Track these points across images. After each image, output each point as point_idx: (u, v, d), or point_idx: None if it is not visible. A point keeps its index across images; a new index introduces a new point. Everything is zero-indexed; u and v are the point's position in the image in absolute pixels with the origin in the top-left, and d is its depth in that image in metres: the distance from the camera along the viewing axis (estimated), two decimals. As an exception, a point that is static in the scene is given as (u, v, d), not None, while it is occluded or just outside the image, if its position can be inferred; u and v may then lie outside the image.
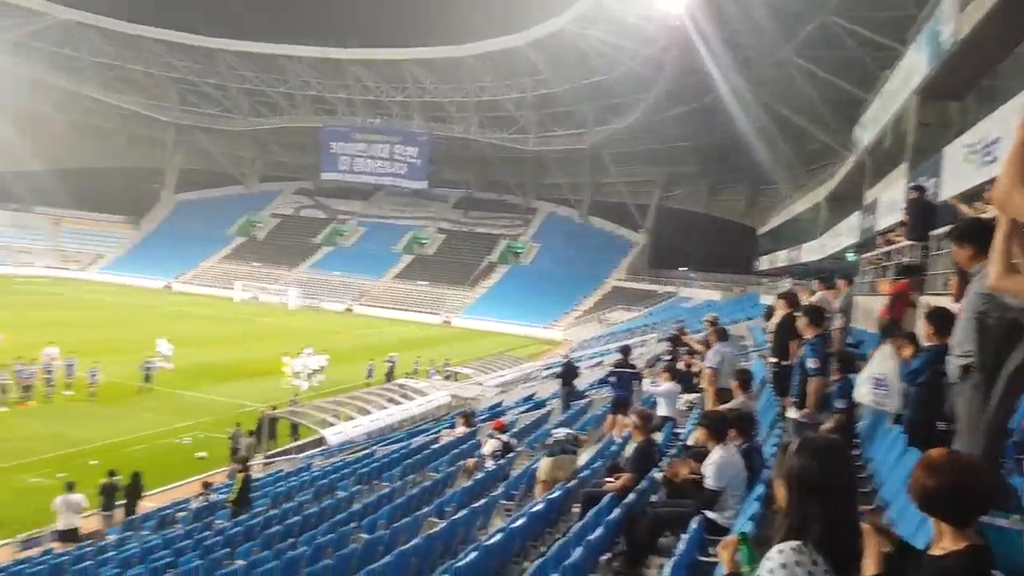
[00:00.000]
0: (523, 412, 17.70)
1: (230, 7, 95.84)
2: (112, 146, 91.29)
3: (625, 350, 14.08)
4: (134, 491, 15.75)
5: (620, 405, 11.97)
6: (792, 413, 7.32)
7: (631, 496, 6.76)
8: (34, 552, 12.94)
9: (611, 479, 7.35)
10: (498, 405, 21.72)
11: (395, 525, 8.56)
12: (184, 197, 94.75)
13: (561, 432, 9.54)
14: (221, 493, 14.01)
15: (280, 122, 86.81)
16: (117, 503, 15.59)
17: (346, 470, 14.44)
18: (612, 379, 13.03)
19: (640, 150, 72.18)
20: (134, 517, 14.75)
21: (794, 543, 2.23)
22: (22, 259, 75.67)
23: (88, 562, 10.93)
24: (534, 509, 7.41)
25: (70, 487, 14.25)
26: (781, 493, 2.37)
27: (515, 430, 14.22)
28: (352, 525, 9.45)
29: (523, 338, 58.67)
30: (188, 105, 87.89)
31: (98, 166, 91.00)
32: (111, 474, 15.56)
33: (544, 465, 8.93)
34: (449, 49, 71.12)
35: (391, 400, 24.10)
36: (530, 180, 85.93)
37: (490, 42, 67.70)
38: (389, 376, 32.39)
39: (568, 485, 8.32)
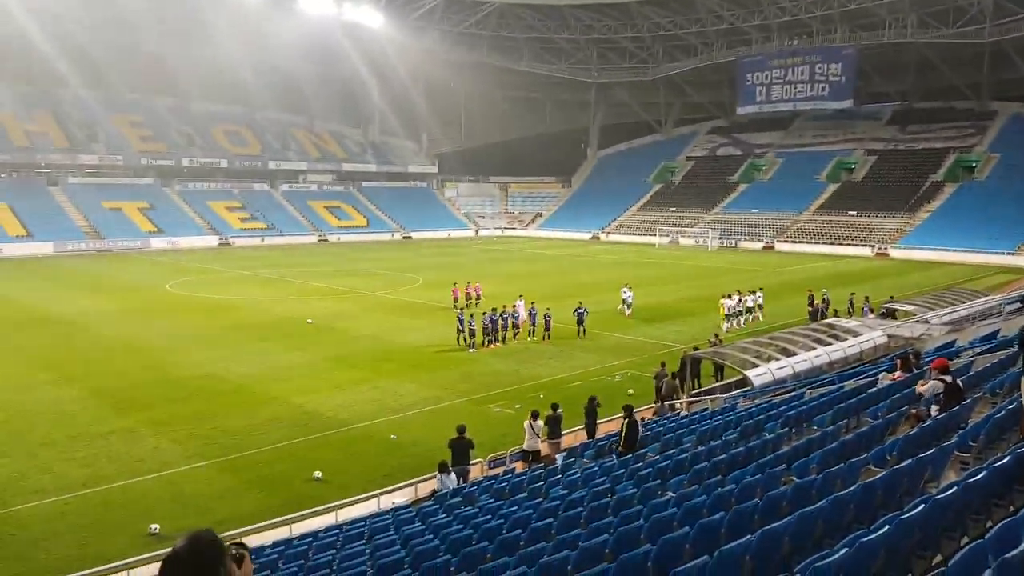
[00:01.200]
0: (982, 353, 15.08)
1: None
2: (543, 114, 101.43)
3: None
4: (592, 414, 17.51)
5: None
6: None
7: None
8: (498, 471, 15.24)
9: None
10: (950, 345, 18.89)
11: (828, 471, 8.01)
12: (605, 153, 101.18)
13: None
14: (612, 439, 14.60)
15: (695, 63, 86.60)
16: (564, 432, 17.47)
17: (772, 412, 14.01)
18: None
19: None
20: (575, 445, 16.37)
21: None
22: (481, 223, 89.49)
23: (540, 483, 12.43)
24: (999, 464, 6.26)
25: (535, 415, 16.37)
26: None
27: (970, 373, 12.22)
28: (781, 467, 9.12)
29: (981, 267, 50.57)
30: (606, 63, 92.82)
31: (533, 134, 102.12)
32: (554, 407, 17.46)
33: None
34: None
35: (818, 341, 22.59)
36: (986, 79, 72.45)
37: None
38: (814, 316, 30.48)
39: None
